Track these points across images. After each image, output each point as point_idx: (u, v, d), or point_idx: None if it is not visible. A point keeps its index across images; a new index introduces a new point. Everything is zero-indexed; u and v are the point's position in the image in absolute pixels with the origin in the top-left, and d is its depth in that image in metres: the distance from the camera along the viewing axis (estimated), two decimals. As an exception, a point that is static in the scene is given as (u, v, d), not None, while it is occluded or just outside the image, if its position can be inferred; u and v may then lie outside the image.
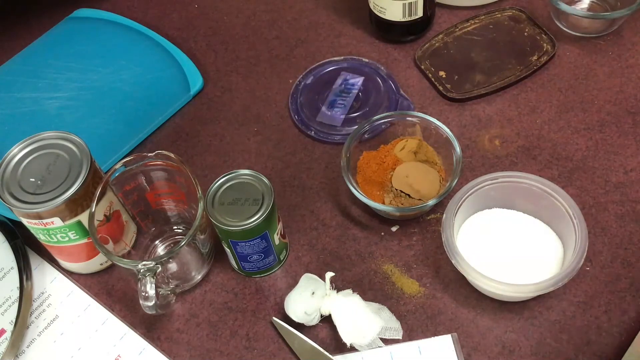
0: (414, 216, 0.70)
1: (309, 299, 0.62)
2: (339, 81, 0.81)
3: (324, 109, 0.79)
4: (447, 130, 0.69)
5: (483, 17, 0.85)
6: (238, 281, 0.68)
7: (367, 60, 0.83)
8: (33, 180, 0.61)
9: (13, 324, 0.64)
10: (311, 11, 0.91)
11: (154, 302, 0.58)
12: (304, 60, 0.85)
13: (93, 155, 0.63)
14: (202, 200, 0.61)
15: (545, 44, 0.82)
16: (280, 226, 0.65)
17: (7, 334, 0.64)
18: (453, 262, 0.61)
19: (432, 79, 0.80)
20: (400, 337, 0.63)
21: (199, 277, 0.68)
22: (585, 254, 0.60)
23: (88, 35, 0.87)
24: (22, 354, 0.65)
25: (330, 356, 0.62)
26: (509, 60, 0.81)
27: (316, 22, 0.89)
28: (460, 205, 0.64)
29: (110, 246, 0.63)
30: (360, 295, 0.62)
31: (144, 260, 0.58)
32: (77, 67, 0.83)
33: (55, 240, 0.64)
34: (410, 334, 0.63)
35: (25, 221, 0.63)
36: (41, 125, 0.70)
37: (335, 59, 0.84)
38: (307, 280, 0.63)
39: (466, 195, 0.65)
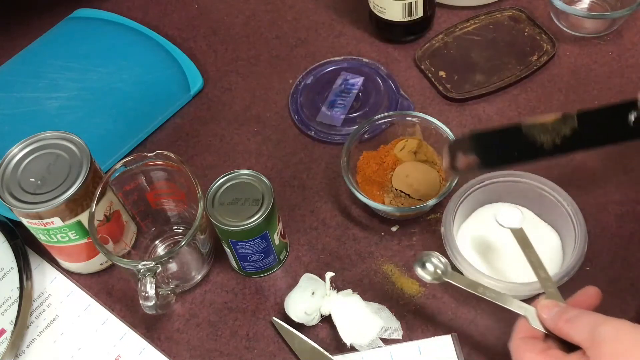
0: (414, 216, 0.70)
1: (309, 299, 0.62)
2: (339, 81, 0.81)
3: (324, 109, 0.79)
4: (447, 130, 0.69)
5: (483, 17, 0.85)
6: (238, 281, 0.68)
7: (367, 60, 0.83)
8: (33, 180, 0.61)
9: (13, 324, 0.64)
10: (311, 11, 0.90)
11: (154, 302, 0.58)
12: (304, 60, 0.85)
13: (93, 155, 0.63)
14: (202, 200, 0.61)
15: (545, 44, 0.82)
16: (280, 226, 0.65)
17: (7, 334, 0.64)
18: (453, 261, 0.61)
19: (432, 79, 0.80)
20: (400, 337, 0.63)
21: (199, 277, 0.68)
22: (584, 254, 0.60)
23: (88, 35, 0.87)
24: (22, 354, 0.65)
25: (330, 356, 0.62)
26: (509, 60, 0.81)
27: (316, 22, 0.89)
28: (460, 205, 0.64)
29: (110, 246, 0.63)
30: (360, 295, 0.62)
31: (144, 260, 0.58)
32: (77, 67, 0.83)
33: (55, 240, 0.64)
34: (410, 334, 0.63)
35: (25, 221, 0.63)
36: (41, 125, 0.70)
37: (335, 59, 0.84)
38: (307, 280, 0.63)
39: (466, 195, 0.65)
